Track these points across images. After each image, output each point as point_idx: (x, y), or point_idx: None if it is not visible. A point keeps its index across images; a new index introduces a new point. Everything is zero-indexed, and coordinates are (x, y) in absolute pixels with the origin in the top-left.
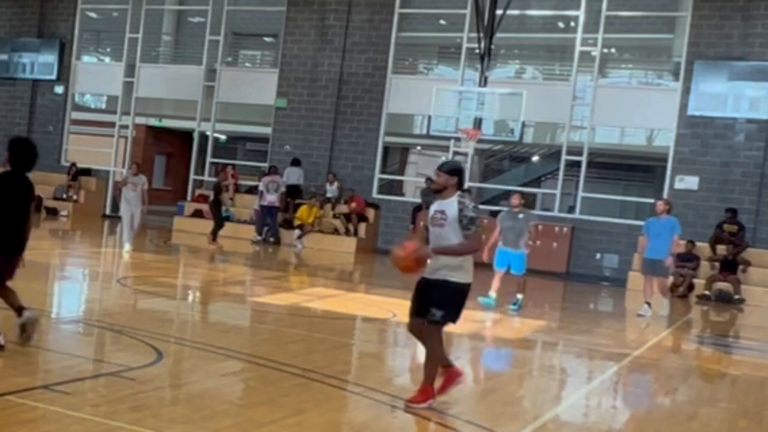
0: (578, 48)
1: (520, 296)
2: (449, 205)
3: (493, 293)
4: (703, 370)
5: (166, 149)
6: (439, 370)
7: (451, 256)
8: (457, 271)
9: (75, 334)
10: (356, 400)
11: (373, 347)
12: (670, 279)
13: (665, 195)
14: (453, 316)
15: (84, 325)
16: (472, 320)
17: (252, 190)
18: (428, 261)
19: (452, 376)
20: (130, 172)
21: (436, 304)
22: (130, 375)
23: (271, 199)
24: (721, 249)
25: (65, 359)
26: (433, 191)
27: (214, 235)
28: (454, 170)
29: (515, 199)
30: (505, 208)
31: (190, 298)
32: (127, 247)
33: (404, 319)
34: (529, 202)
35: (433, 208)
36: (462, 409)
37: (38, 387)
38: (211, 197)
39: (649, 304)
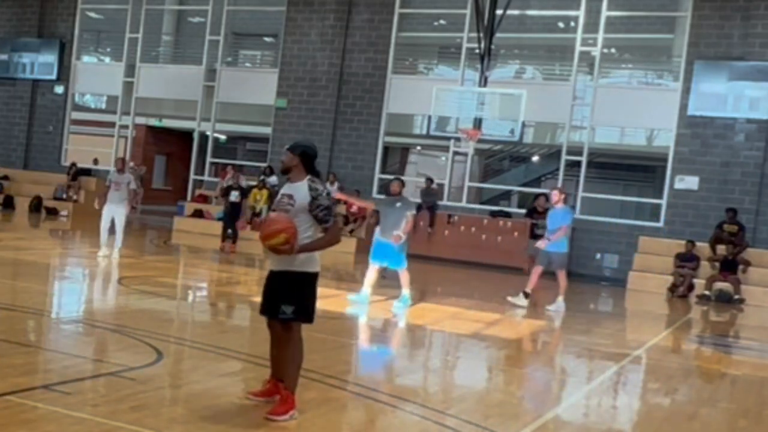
0: (578, 48)
1: (405, 291)
2: (298, 190)
3: (367, 288)
4: (703, 370)
5: (166, 149)
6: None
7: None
8: (306, 260)
9: (75, 334)
10: (356, 400)
11: (373, 347)
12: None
13: (665, 195)
14: (306, 312)
15: (84, 325)
16: (471, 320)
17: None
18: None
19: (277, 391)
20: (114, 170)
21: (285, 299)
22: (130, 375)
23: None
24: (721, 249)
25: (65, 359)
26: (282, 172)
27: (233, 238)
28: (295, 147)
29: (394, 186)
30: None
31: (190, 298)
32: (103, 251)
33: (406, 320)
34: (529, 201)
35: (281, 191)
36: (462, 409)
37: (38, 387)
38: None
39: (526, 294)
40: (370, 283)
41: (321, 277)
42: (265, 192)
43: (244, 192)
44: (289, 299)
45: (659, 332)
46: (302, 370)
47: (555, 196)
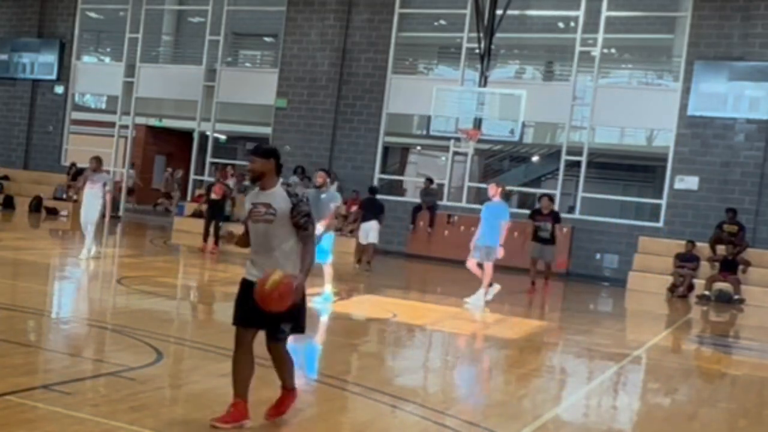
0: (578, 48)
1: (328, 288)
2: (276, 197)
3: (327, 286)
4: (703, 370)
5: (166, 149)
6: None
7: (290, 258)
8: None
9: (75, 334)
10: (356, 400)
11: (373, 347)
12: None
13: (665, 195)
14: (301, 325)
15: (84, 325)
16: (472, 320)
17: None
18: (252, 265)
19: (245, 414)
20: (89, 169)
21: (285, 317)
22: (130, 375)
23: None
24: (721, 249)
25: (65, 359)
26: (250, 180)
27: (215, 237)
28: (269, 152)
29: (319, 178)
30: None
31: (190, 298)
32: (84, 252)
33: (406, 320)
34: (528, 202)
35: (252, 200)
36: (462, 409)
37: (38, 387)
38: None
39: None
40: (329, 280)
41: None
42: None
43: (226, 190)
44: (288, 317)
45: (659, 332)
46: (302, 370)
47: (492, 189)
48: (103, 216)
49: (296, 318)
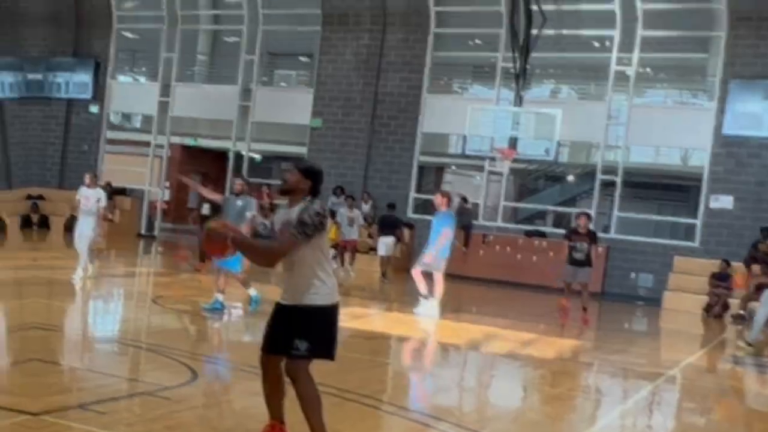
0: (613, 67)
1: (251, 292)
2: (293, 216)
3: (219, 295)
4: (738, 390)
5: (201, 169)
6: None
7: (306, 277)
8: (318, 292)
9: (110, 353)
10: (391, 419)
11: (408, 366)
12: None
13: (700, 215)
14: (324, 348)
15: (119, 344)
16: (506, 339)
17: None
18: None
19: None
20: (83, 185)
21: (299, 334)
22: (164, 394)
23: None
24: (756, 268)
25: (100, 378)
26: (280, 192)
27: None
28: (310, 171)
29: (237, 185)
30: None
31: (225, 317)
32: (78, 272)
33: (440, 339)
34: (564, 221)
35: (279, 220)
36: (496, 429)
37: (73, 406)
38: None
39: (425, 297)
40: (218, 289)
41: (356, 296)
42: None
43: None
44: (303, 334)
45: (694, 352)
46: (338, 390)
47: (437, 199)
48: (98, 233)
49: (313, 338)
